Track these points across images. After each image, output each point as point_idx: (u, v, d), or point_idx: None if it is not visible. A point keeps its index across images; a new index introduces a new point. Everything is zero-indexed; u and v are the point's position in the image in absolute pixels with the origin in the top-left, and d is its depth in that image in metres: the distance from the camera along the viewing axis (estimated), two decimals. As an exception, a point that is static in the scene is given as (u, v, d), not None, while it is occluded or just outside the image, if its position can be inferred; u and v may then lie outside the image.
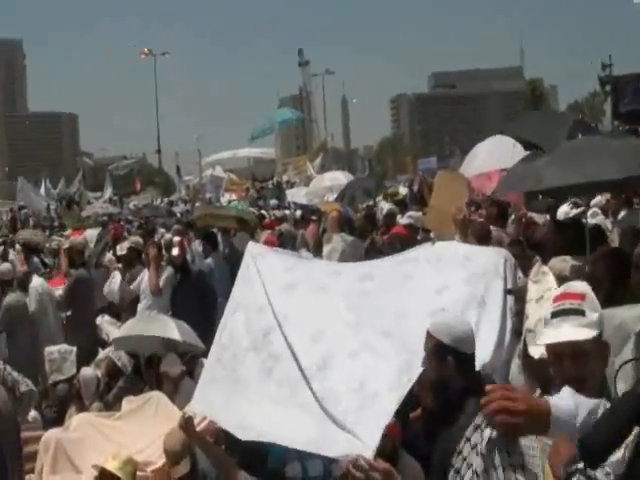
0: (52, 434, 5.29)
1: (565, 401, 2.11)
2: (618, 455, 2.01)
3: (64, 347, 7.66)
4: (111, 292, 10.22)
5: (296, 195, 21.09)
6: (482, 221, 8.63)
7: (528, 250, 6.58)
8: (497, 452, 2.21)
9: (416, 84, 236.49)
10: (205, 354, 5.23)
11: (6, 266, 10.14)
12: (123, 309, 9.97)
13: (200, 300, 8.81)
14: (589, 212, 8.49)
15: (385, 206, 13.91)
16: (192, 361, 6.42)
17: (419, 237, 9.54)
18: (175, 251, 9.27)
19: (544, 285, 4.00)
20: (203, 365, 5.14)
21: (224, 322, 4.64)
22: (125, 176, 34.55)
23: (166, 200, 38.22)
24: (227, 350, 4.47)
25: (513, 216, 9.44)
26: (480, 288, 4.34)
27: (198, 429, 4.47)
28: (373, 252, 8.79)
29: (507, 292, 4.39)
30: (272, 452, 4.29)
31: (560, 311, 2.69)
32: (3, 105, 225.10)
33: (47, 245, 13.93)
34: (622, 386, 2.59)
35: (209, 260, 10.66)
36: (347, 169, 37.02)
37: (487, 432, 2.22)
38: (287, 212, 20.33)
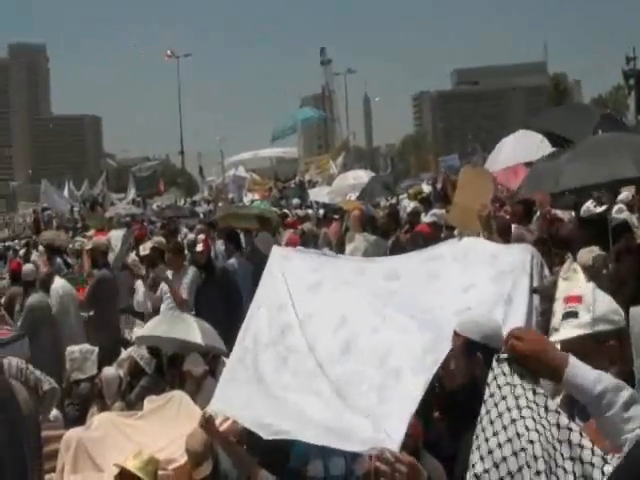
0: (73, 433, 5.30)
1: (588, 367, 2.20)
2: None
3: (86, 347, 7.69)
4: (138, 304, 10.35)
5: (319, 194, 21.04)
6: (501, 215, 8.53)
7: (553, 248, 6.49)
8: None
9: (439, 81, 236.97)
10: (227, 354, 5.20)
11: (29, 267, 10.20)
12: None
13: (225, 299, 8.69)
14: (615, 208, 8.38)
15: (409, 204, 13.81)
16: (214, 361, 6.38)
17: (442, 235, 9.45)
18: (199, 247, 9.22)
19: (573, 283, 3.94)
20: (225, 365, 5.09)
21: (247, 323, 4.63)
22: (148, 177, 34.65)
23: (189, 200, 38.40)
24: (249, 351, 4.45)
25: (538, 213, 9.31)
26: (507, 285, 4.30)
27: (221, 429, 4.43)
28: (398, 250, 8.71)
29: (532, 291, 4.32)
30: (295, 450, 4.27)
31: (564, 314, 3.12)
32: (27, 108, 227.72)
33: (70, 246, 13.94)
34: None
35: (232, 260, 10.58)
36: (370, 167, 37.02)
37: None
38: (310, 211, 20.31)
